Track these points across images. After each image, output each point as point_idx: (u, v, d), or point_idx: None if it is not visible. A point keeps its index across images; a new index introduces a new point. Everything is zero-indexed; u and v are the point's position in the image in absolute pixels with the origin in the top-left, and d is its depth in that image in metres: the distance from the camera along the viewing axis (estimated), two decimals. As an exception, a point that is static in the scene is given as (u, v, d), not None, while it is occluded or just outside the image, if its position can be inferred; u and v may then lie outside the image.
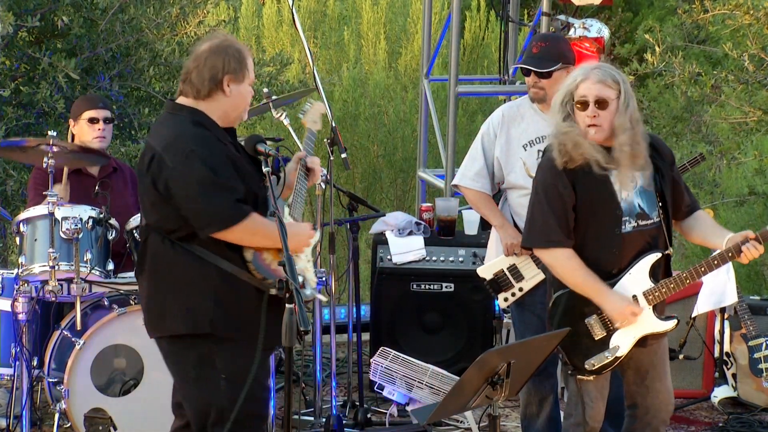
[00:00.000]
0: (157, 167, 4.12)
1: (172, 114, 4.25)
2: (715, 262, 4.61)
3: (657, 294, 4.62)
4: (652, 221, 4.65)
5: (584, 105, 4.56)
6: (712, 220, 4.80)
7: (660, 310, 4.69)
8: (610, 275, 4.63)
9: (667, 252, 4.65)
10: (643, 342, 4.70)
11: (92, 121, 6.01)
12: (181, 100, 4.26)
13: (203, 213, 4.08)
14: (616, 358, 4.68)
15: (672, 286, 4.61)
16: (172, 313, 4.22)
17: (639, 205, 4.62)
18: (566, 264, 4.62)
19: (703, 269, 4.61)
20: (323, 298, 4.26)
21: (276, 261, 4.14)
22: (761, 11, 8.88)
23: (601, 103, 4.54)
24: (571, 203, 4.59)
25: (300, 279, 4.16)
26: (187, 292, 4.19)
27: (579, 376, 4.72)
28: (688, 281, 4.62)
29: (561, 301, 4.69)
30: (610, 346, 4.66)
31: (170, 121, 4.24)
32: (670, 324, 4.68)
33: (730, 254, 4.59)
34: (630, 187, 4.60)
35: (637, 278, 4.63)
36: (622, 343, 4.67)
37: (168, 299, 4.22)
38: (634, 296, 4.63)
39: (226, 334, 4.17)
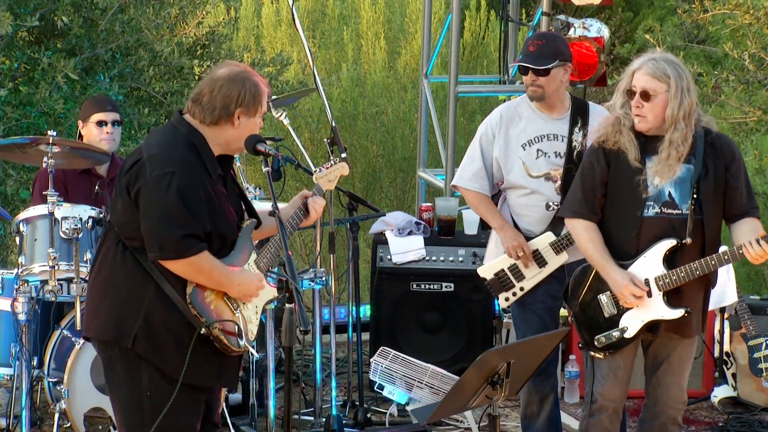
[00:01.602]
0: (136, 173, 4.08)
1: (174, 127, 4.19)
2: (726, 257, 4.67)
3: (667, 281, 4.67)
4: (679, 212, 4.69)
5: (632, 94, 4.67)
6: (755, 226, 4.72)
7: (672, 298, 4.71)
8: (629, 255, 4.72)
9: (684, 242, 4.67)
10: (655, 329, 4.75)
11: (100, 124, 6.02)
12: (188, 117, 4.18)
13: (153, 236, 4.03)
14: (623, 339, 4.76)
15: (683, 275, 4.66)
16: (102, 317, 4.16)
17: (669, 194, 4.68)
18: (583, 234, 4.80)
19: (713, 263, 4.66)
20: (255, 355, 4.20)
21: (218, 302, 4.12)
22: (761, 11, 8.88)
23: (646, 96, 4.63)
24: (603, 179, 4.76)
25: (239, 327, 4.13)
26: (121, 301, 4.13)
27: (591, 352, 4.84)
28: (698, 272, 4.66)
29: (580, 274, 4.87)
30: (620, 326, 4.76)
31: (169, 133, 4.19)
32: (677, 312, 4.71)
33: (740, 251, 4.63)
34: (666, 176, 4.65)
35: (651, 262, 4.70)
36: (631, 324, 4.75)
37: (103, 302, 4.16)
38: (646, 279, 4.70)
39: (148, 357, 4.10)
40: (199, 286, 4.08)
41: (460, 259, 6.87)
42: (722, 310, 6.67)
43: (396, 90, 11.37)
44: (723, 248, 4.78)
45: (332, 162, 4.74)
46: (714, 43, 11.17)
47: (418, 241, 6.90)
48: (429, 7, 8.37)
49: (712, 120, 4.75)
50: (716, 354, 6.76)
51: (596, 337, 4.79)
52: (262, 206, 4.45)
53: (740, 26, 9.06)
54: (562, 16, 7.16)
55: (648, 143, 4.69)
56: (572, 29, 6.95)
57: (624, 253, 4.73)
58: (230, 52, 8.44)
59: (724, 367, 6.70)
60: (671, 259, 4.68)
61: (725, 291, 6.37)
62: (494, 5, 8.10)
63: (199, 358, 4.10)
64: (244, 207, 4.30)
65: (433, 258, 6.89)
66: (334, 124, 6.21)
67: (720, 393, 6.65)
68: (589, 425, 4.93)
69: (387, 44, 11.73)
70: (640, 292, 4.67)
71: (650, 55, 4.72)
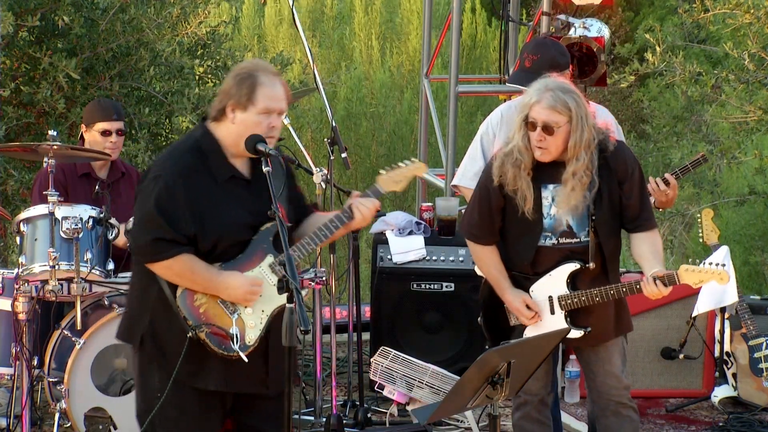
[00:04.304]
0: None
1: (191, 132, 4.28)
2: (624, 289, 4.71)
3: (569, 302, 4.76)
4: (578, 240, 4.73)
5: (533, 126, 4.63)
6: (654, 247, 4.75)
7: (575, 318, 4.78)
8: (529, 276, 4.80)
9: (588, 266, 4.72)
10: (567, 339, 4.83)
11: (105, 133, 6.01)
12: (208, 121, 4.23)
13: (132, 238, 4.17)
14: None
15: (583, 298, 4.73)
16: (122, 317, 4.36)
17: (567, 223, 4.71)
18: (481, 256, 4.90)
19: (612, 292, 4.72)
20: (245, 360, 4.17)
21: (210, 305, 4.12)
22: (761, 10, 8.88)
23: (548, 129, 4.60)
24: (499, 208, 4.77)
25: (232, 332, 4.11)
26: (132, 302, 4.28)
27: None
28: (597, 299, 4.72)
29: (488, 285, 4.94)
30: (524, 335, 4.84)
31: (183, 138, 4.29)
32: (577, 333, 4.78)
33: (638, 287, 4.65)
34: (564, 205, 4.66)
35: (555, 282, 4.77)
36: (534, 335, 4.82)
37: (126, 303, 4.36)
38: (550, 297, 4.78)
39: (155, 358, 4.17)
40: (189, 289, 4.11)
41: (461, 258, 6.87)
42: (722, 309, 6.66)
43: (392, 90, 11.39)
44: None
45: (408, 163, 4.49)
46: (714, 42, 11.18)
47: (418, 240, 6.90)
48: (429, 7, 8.37)
49: (606, 135, 4.70)
50: (717, 354, 6.76)
51: (502, 343, 4.74)
52: None
53: (740, 26, 9.07)
54: (562, 16, 7.15)
55: (545, 170, 4.69)
56: (572, 29, 6.95)
57: (520, 274, 4.82)
58: (231, 51, 8.44)
59: (724, 366, 6.70)
60: (574, 280, 4.76)
61: (725, 291, 6.36)
62: (494, 5, 8.09)
63: (204, 362, 4.13)
64: (279, 209, 4.14)
65: (434, 258, 6.89)
66: (334, 124, 6.22)
67: (720, 393, 6.65)
68: (519, 418, 5.04)
69: (380, 44, 11.75)
70: (530, 314, 4.77)
71: (544, 85, 4.64)
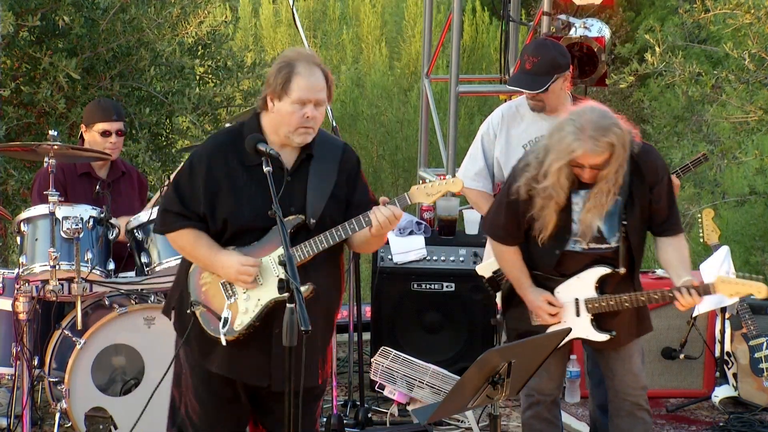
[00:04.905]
0: None
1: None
2: (656, 296, 4.71)
3: (596, 305, 4.74)
4: (608, 246, 4.71)
5: (580, 166, 4.54)
6: (681, 254, 4.75)
7: (600, 321, 4.77)
8: (553, 277, 4.77)
9: (618, 270, 4.71)
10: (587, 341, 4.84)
11: (105, 134, 6.01)
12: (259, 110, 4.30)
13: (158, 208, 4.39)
14: None
15: (612, 303, 4.72)
16: None
17: (598, 228, 4.68)
18: (502, 255, 4.85)
19: (642, 298, 4.71)
20: (223, 341, 4.19)
21: (212, 285, 4.19)
22: (762, 10, 8.88)
23: (596, 168, 4.53)
24: (526, 213, 4.70)
25: (223, 315, 4.15)
26: (175, 277, 4.39)
27: None
28: (626, 305, 4.71)
29: (509, 283, 4.91)
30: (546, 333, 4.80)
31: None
32: (602, 336, 4.78)
33: (670, 295, 4.66)
34: (595, 210, 4.62)
35: (584, 284, 4.75)
36: None
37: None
38: (576, 299, 4.75)
39: (179, 331, 4.28)
40: (200, 267, 4.22)
41: (461, 258, 6.87)
42: (723, 309, 6.66)
43: (394, 91, 11.39)
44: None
45: (440, 177, 4.39)
46: (715, 42, 11.18)
47: (419, 240, 6.90)
48: (429, 7, 8.37)
49: (632, 135, 4.62)
50: (717, 354, 6.76)
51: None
52: None
53: (741, 26, 9.07)
54: (563, 16, 7.16)
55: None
56: (573, 29, 6.96)
57: (546, 275, 4.79)
58: (231, 51, 8.44)
59: (724, 366, 6.69)
60: (602, 284, 4.74)
61: (726, 291, 6.35)
62: (495, 5, 8.09)
63: (214, 344, 4.17)
64: (309, 205, 4.15)
65: (434, 258, 6.89)
66: (335, 124, 6.22)
67: (721, 393, 6.65)
68: (530, 417, 5.02)
69: (386, 46, 11.76)
70: (553, 310, 4.74)
71: (580, 127, 4.46)
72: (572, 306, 4.78)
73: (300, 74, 4.10)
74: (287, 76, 4.10)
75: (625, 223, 4.67)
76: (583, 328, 4.78)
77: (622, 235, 4.69)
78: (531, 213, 4.67)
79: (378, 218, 4.15)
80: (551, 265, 4.75)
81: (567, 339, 4.76)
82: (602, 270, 4.73)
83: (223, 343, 4.13)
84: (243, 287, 4.17)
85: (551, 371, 4.91)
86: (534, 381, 4.84)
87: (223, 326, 4.15)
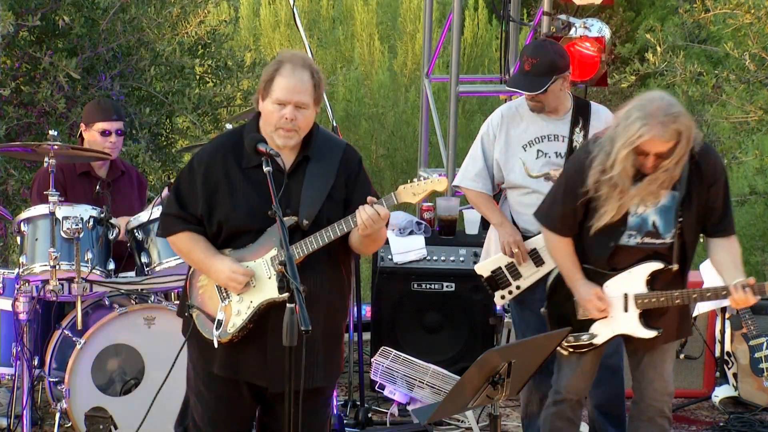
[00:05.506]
0: None
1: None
2: (708, 294, 4.69)
3: (646, 301, 4.69)
4: (662, 241, 4.68)
5: (644, 154, 4.49)
6: (733, 255, 4.71)
7: (648, 317, 4.73)
8: (603, 272, 4.73)
9: (670, 267, 4.68)
10: (630, 338, 4.79)
11: (104, 133, 6.00)
12: None
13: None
14: (592, 344, 4.80)
15: (662, 299, 4.68)
16: None
17: (653, 223, 4.65)
18: (556, 246, 4.82)
19: (695, 296, 4.68)
20: (216, 343, 4.20)
21: (208, 288, 4.22)
22: (762, 10, 8.87)
23: (662, 156, 4.47)
24: (584, 204, 4.67)
25: (217, 317, 4.17)
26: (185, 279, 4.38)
27: (558, 348, 4.82)
28: (678, 302, 4.68)
29: (557, 275, 4.88)
30: (590, 330, 4.78)
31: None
32: (650, 333, 4.74)
33: (724, 292, 4.63)
34: (650, 204, 4.61)
35: (634, 279, 4.71)
36: (601, 332, 4.78)
37: None
38: (625, 294, 4.71)
39: (186, 333, 4.30)
40: (197, 270, 4.26)
41: (461, 258, 6.87)
42: (723, 309, 6.67)
43: (393, 91, 11.38)
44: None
45: (424, 177, 4.27)
46: (715, 42, 11.17)
47: (419, 240, 6.90)
48: (429, 7, 8.37)
49: (698, 133, 4.59)
50: (717, 354, 6.76)
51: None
52: None
53: (741, 26, 9.06)
54: (563, 16, 7.15)
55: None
56: (573, 29, 6.95)
57: (595, 269, 4.75)
58: (231, 51, 8.44)
59: (725, 366, 6.70)
60: (652, 280, 4.71)
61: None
62: (495, 5, 8.09)
63: (217, 346, 4.16)
64: (309, 207, 4.14)
65: (434, 258, 6.89)
66: (335, 124, 6.22)
67: (721, 393, 6.65)
68: (553, 414, 4.98)
69: (382, 45, 11.73)
70: (602, 306, 4.70)
71: (649, 113, 4.40)
72: (620, 301, 4.73)
73: (282, 75, 4.09)
74: (271, 76, 4.12)
75: (681, 219, 4.64)
76: (630, 324, 4.73)
77: (677, 231, 4.65)
78: (592, 203, 4.62)
79: (362, 217, 4.04)
80: (604, 257, 4.71)
81: (612, 335, 4.76)
82: (655, 265, 4.68)
83: (215, 345, 4.14)
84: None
85: (585, 370, 4.89)
86: (565, 379, 4.86)
87: (217, 328, 4.16)
